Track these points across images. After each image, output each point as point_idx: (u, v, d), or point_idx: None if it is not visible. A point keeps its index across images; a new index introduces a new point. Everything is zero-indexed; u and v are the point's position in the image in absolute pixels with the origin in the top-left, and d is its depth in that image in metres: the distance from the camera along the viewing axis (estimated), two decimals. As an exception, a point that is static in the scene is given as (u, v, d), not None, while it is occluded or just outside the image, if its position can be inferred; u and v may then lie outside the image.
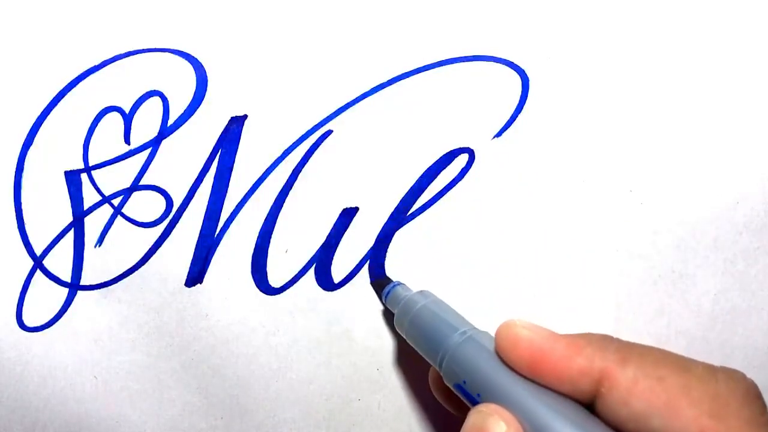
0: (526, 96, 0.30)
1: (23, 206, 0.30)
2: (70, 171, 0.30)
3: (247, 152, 0.30)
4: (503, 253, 0.30)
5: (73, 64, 0.29)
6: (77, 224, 0.30)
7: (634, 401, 0.20)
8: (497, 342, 0.22)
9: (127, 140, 0.30)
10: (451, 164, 0.30)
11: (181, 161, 0.30)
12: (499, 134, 0.30)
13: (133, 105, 0.30)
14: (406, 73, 0.30)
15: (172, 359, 0.31)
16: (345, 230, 0.30)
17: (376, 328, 0.31)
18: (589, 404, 0.21)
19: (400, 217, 0.30)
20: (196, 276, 0.30)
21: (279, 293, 0.30)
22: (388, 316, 0.30)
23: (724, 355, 0.31)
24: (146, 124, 0.30)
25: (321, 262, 0.30)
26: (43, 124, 0.30)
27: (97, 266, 0.30)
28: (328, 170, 0.30)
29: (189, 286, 0.30)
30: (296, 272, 0.30)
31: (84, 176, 0.30)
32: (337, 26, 0.30)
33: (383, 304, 0.30)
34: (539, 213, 0.30)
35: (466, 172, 0.30)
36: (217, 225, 0.30)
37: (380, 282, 0.30)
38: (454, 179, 0.30)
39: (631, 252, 0.30)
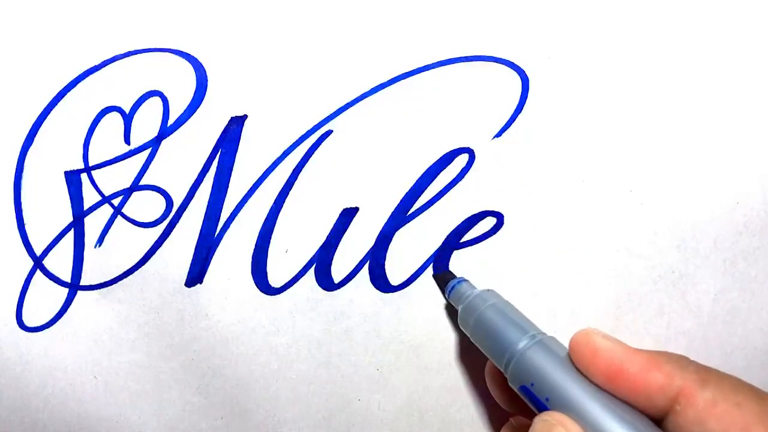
0: (526, 96, 0.30)
1: (23, 206, 0.30)
2: (70, 171, 0.30)
3: (247, 152, 0.30)
4: (503, 252, 0.30)
5: (73, 64, 0.29)
6: (77, 224, 0.30)
7: (712, 422, 0.20)
8: (573, 349, 0.23)
9: (127, 140, 0.30)
10: (451, 164, 0.30)
11: (181, 161, 0.30)
12: (499, 134, 0.30)
13: (133, 105, 0.30)
14: (406, 73, 0.30)
15: (172, 359, 0.31)
16: (345, 230, 0.30)
17: (376, 328, 0.31)
18: (657, 420, 0.22)
19: (400, 217, 0.30)
20: (196, 276, 0.30)
21: (279, 293, 0.30)
22: (450, 311, 0.30)
23: (724, 354, 0.31)
24: (146, 124, 0.30)
25: (321, 262, 0.30)
26: (43, 124, 0.30)
27: (97, 266, 0.30)
28: (328, 170, 0.30)
29: (189, 286, 0.30)
30: (296, 272, 0.30)
31: (84, 176, 0.30)
32: (337, 26, 0.30)
33: (446, 299, 0.30)
34: (539, 213, 0.30)
35: (466, 172, 0.30)
36: (217, 225, 0.30)
37: (444, 276, 0.30)
38: (454, 179, 0.30)
39: (631, 252, 0.30)
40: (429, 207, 0.30)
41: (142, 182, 0.30)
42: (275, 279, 0.30)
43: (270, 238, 0.30)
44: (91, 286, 0.30)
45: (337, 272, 0.30)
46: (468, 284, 0.29)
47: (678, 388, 0.21)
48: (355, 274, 0.30)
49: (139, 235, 0.30)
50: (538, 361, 0.24)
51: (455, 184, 0.30)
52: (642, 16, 0.30)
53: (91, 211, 0.30)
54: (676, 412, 0.21)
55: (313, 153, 0.30)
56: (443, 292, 0.30)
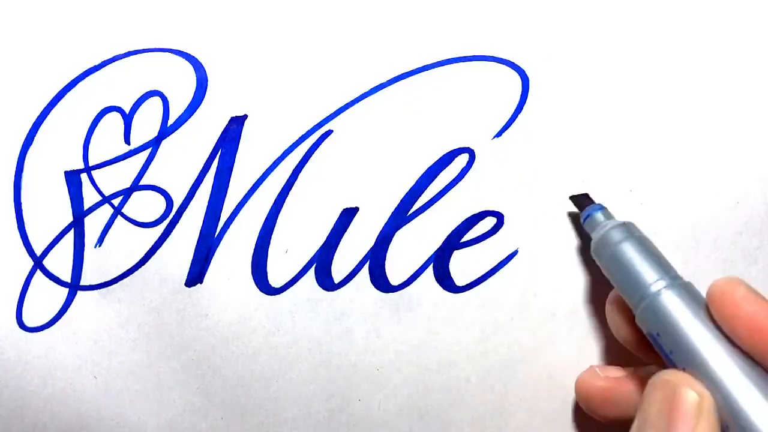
0: (526, 96, 0.30)
1: (23, 206, 0.30)
2: (70, 171, 0.30)
3: (247, 152, 0.30)
4: (503, 253, 0.30)
5: (73, 64, 0.29)
6: (77, 224, 0.30)
7: None
8: (713, 297, 0.21)
9: (127, 140, 0.30)
10: (451, 164, 0.30)
11: (181, 161, 0.30)
12: (499, 134, 0.30)
13: (133, 105, 0.30)
14: (406, 73, 0.30)
15: (172, 359, 0.31)
16: (345, 230, 0.30)
17: (376, 328, 0.31)
18: None
19: (400, 217, 0.30)
20: (196, 276, 0.30)
21: (279, 293, 0.30)
22: (584, 238, 0.29)
23: (724, 355, 0.31)
24: (146, 124, 0.30)
25: (321, 262, 0.30)
26: (43, 124, 0.30)
27: (97, 266, 0.30)
28: (328, 170, 0.30)
29: (189, 286, 0.30)
30: (296, 272, 0.30)
31: (84, 176, 0.30)
32: (337, 26, 0.30)
33: (581, 224, 0.29)
34: (539, 213, 0.30)
35: (466, 172, 0.30)
36: (217, 225, 0.30)
37: (581, 200, 0.29)
38: (454, 179, 0.30)
39: (631, 252, 0.30)
40: (429, 207, 0.30)
41: (142, 182, 0.30)
42: (275, 279, 0.30)
43: (270, 238, 0.30)
44: (91, 286, 0.30)
45: (337, 272, 0.30)
46: (606, 212, 0.28)
47: None
48: (355, 274, 0.30)
49: (139, 235, 0.30)
50: (670, 307, 0.22)
51: (455, 184, 0.30)
52: (642, 16, 0.30)
53: (91, 211, 0.30)
54: None
55: (313, 153, 0.30)
56: (577, 218, 0.29)
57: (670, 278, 0.24)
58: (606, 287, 0.30)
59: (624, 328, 0.26)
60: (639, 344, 0.26)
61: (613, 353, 0.31)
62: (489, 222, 0.30)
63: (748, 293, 0.21)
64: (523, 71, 0.30)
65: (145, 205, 0.30)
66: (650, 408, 0.21)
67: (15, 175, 0.30)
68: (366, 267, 0.30)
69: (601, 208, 0.28)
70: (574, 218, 0.30)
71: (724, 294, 0.21)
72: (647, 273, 0.24)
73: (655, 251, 0.25)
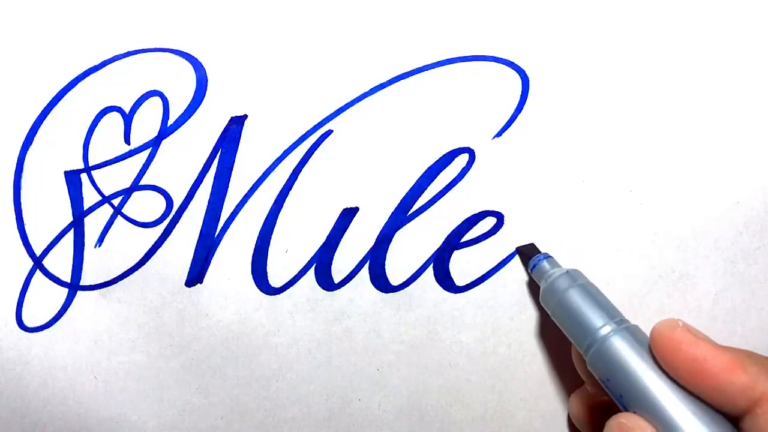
0: (526, 96, 0.30)
1: (23, 206, 0.30)
2: (70, 171, 0.30)
3: (247, 152, 0.30)
4: (504, 253, 0.30)
5: (73, 64, 0.29)
6: (77, 224, 0.30)
7: None
8: (654, 340, 0.22)
9: (127, 140, 0.30)
10: (451, 164, 0.30)
11: (181, 161, 0.30)
12: (499, 134, 0.30)
13: (133, 105, 0.30)
14: (406, 73, 0.30)
15: (172, 359, 0.31)
16: (345, 230, 0.30)
17: (376, 328, 0.31)
18: (733, 419, 0.21)
19: (400, 217, 0.30)
20: (196, 276, 0.30)
21: (279, 293, 0.30)
22: (532, 286, 0.30)
23: (724, 355, 0.31)
24: (146, 124, 0.30)
25: (321, 262, 0.30)
26: (42, 124, 0.30)
27: (97, 266, 0.30)
28: (328, 170, 0.30)
29: (189, 286, 0.30)
30: (296, 272, 0.30)
31: (84, 176, 0.30)
32: (337, 26, 0.30)
33: (528, 274, 0.29)
34: (539, 213, 0.30)
35: (466, 172, 0.30)
36: (217, 225, 0.30)
37: (527, 251, 0.29)
38: (454, 179, 0.30)
39: (631, 252, 0.30)
40: (429, 207, 0.30)
41: (142, 182, 0.30)
42: (275, 279, 0.30)
43: (270, 238, 0.30)
44: (91, 286, 0.30)
45: (337, 272, 0.30)
46: (552, 261, 0.28)
47: (761, 392, 0.20)
48: (355, 274, 0.30)
49: (139, 235, 0.30)
50: (616, 351, 0.23)
51: (455, 184, 0.30)
52: (642, 16, 0.30)
53: (91, 211, 0.30)
54: (756, 415, 0.20)
55: (313, 153, 0.30)
56: (525, 267, 0.29)
57: (614, 323, 0.24)
58: (607, 287, 0.30)
59: (585, 372, 0.27)
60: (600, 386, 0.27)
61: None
62: (489, 222, 0.30)
63: (687, 334, 0.22)
64: (523, 71, 0.30)
65: (145, 205, 0.30)
66: None
67: (15, 175, 0.30)
68: (366, 267, 0.30)
69: (547, 257, 0.29)
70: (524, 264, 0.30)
71: (664, 337, 0.22)
72: (590, 321, 0.25)
73: (600, 297, 0.26)
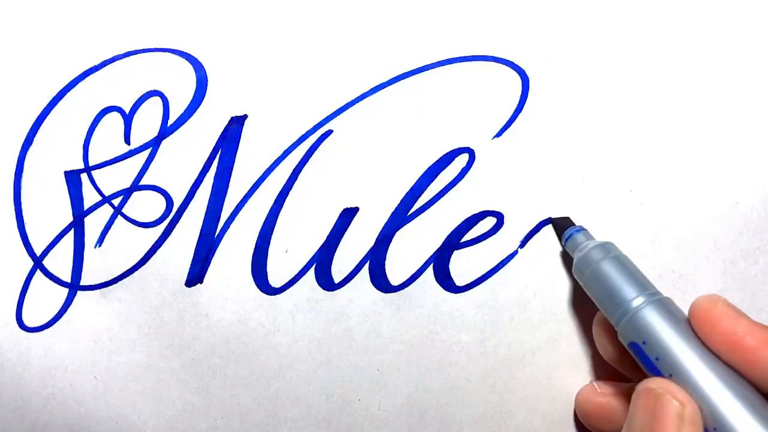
0: (526, 96, 0.30)
1: (23, 206, 0.30)
2: (70, 171, 0.30)
3: (247, 152, 0.30)
4: (504, 253, 0.30)
5: (73, 64, 0.29)
6: (77, 224, 0.30)
7: None
8: (695, 312, 0.23)
9: (127, 140, 0.30)
10: (451, 164, 0.30)
11: (181, 161, 0.30)
12: (499, 134, 0.30)
13: (133, 105, 0.30)
14: (406, 73, 0.30)
15: (172, 359, 0.31)
16: (345, 230, 0.30)
17: (376, 328, 0.31)
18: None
19: (400, 217, 0.30)
20: (196, 276, 0.30)
21: (279, 293, 0.30)
22: (566, 258, 0.30)
23: (724, 355, 0.31)
24: (146, 124, 0.30)
25: (321, 262, 0.30)
26: (42, 124, 0.30)
27: (97, 266, 0.30)
28: (328, 170, 0.30)
29: (189, 286, 0.30)
30: (296, 272, 0.30)
31: (84, 176, 0.30)
32: (337, 26, 0.30)
33: (562, 246, 0.30)
34: (539, 213, 0.30)
35: (466, 172, 0.30)
36: (217, 225, 0.30)
37: (561, 223, 0.30)
38: (454, 179, 0.30)
39: (631, 252, 0.30)
40: (429, 207, 0.30)
41: (142, 182, 0.30)
42: (275, 279, 0.30)
43: (270, 238, 0.30)
44: (91, 286, 0.30)
45: (337, 272, 0.30)
46: (586, 233, 0.29)
47: None
48: (355, 274, 0.30)
49: (139, 235, 0.30)
50: (653, 319, 0.23)
51: (455, 184, 0.30)
52: (642, 16, 0.30)
53: (91, 211, 0.30)
54: None
55: (313, 153, 0.30)
56: (560, 239, 0.30)
57: (649, 294, 0.25)
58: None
59: (609, 346, 0.28)
60: (623, 362, 0.27)
61: (613, 353, 0.31)
62: (489, 222, 0.30)
63: (728, 309, 0.23)
64: (523, 71, 0.30)
65: (145, 205, 0.30)
66: (635, 417, 0.22)
67: (15, 175, 0.30)
68: (366, 267, 0.30)
69: (581, 229, 0.29)
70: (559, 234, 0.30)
71: (705, 311, 0.23)
72: (628, 289, 0.25)
73: (634, 269, 0.26)
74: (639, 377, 0.25)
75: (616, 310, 0.25)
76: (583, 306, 0.30)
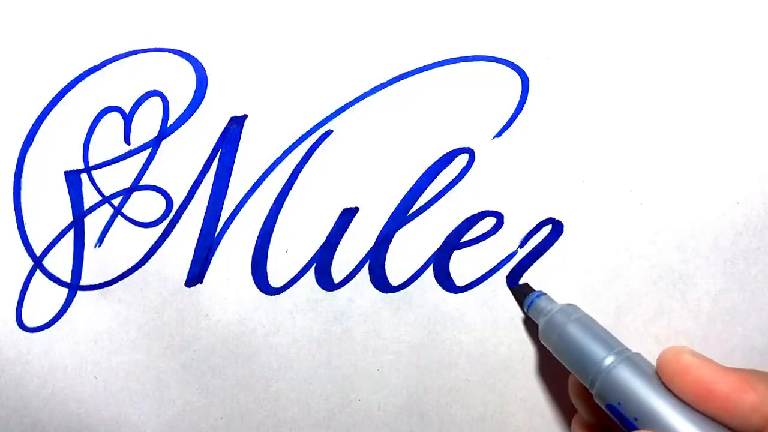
0: (526, 96, 0.30)
1: (23, 206, 0.30)
2: (70, 171, 0.30)
3: (247, 152, 0.30)
4: (504, 253, 0.30)
5: (73, 64, 0.29)
6: (77, 224, 0.30)
7: None
8: (662, 367, 0.23)
9: (127, 140, 0.30)
10: (451, 164, 0.30)
11: (181, 161, 0.30)
12: (499, 134, 0.30)
13: (133, 105, 0.30)
14: (406, 73, 0.30)
15: (172, 359, 0.31)
16: (345, 230, 0.30)
17: (376, 328, 0.31)
18: None
19: (400, 217, 0.30)
20: (196, 276, 0.30)
21: (279, 293, 0.30)
22: (528, 324, 0.30)
23: (724, 354, 0.31)
24: (146, 124, 0.30)
25: (321, 262, 0.30)
26: (42, 124, 0.30)
27: (97, 266, 0.30)
28: (328, 170, 0.30)
29: (189, 286, 0.30)
30: (296, 272, 0.30)
31: (84, 176, 0.30)
32: (337, 26, 0.30)
33: (524, 312, 0.30)
34: (539, 213, 0.30)
35: (466, 172, 0.30)
36: (217, 225, 0.30)
37: (521, 290, 0.30)
38: (454, 179, 0.30)
39: (631, 252, 0.30)
40: (429, 207, 0.30)
41: (142, 182, 0.30)
42: (275, 279, 0.30)
43: (270, 238, 0.30)
44: (91, 286, 0.30)
45: (337, 272, 0.30)
46: (547, 298, 0.29)
47: None
48: (355, 274, 0.30)
49: (139, 235, 0.30)
50: (625, 378, 0.24)
51: (455, 184, 0.30)
52: (642, 16, 0.30)
53: (91, 211, 0.30)
54: None
55: (313, 153, 0.30)
56: (521, 306, 0.30)
57: (617, 353, 0.25)
58: (606, 286, 0.30)
59: (586, 407, 0.28)
60: (602, 421, 0.27)
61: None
62: (489, 222, 0.30)
63: (693, 359, 0.23)
64: (523, 71, 0.30)
65: (145, 205, 0.30)
66: None
67: (15, 175, 0.30)
68: (366, 267, 0.30)
69: (541, 294, 0.29)
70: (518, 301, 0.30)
71: (671, 363, 0.23)
72: (597, 350, 0.25)
73: (600, 328, 0.26)
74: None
75: (589, 373, 0.25)
76: (582, 307, 0.30)
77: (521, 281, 0.30)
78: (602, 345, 0.25)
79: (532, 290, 0.30)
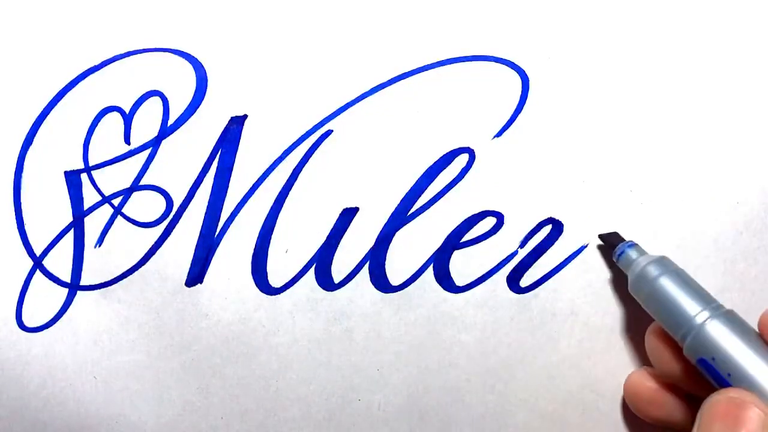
0: (526, 96, 0.30)
1: (23, 206, 0.30)
2: (70, 171, 0.30)
3: (247, 152, 0.30)
4: (504, 253, 0.30)
5: (73, 64, 0.29)
6: (77, 224, 0.30)
7: None
8: (765, 324, 0.23)
9: (127, 140, 0.30)
10: (451, 164, 0.30)
11: (181, 161, 0.30)
12: (499, 134, 0.30)
13: (133, 105, 0.30)
14: (406, 73, 0.30)
15: (172, 359, 0.31)
16: (345, 230, 0.30)
17: (376, 328, 0.31)
18: None
19: (400, 217, 0.30)
20: (196, 276, 0.30)
21: (279, 293, 0.30)
22: (616, 276, 0.30)
23: (724, 355, 0.31)
24: (146, 124, 0.30)
25: (321, 262, 0.30)
26: (42, 124, 0.30)
27: (97, 266, 0.30)
28: (328, 170, 0.30)
29: (189, 286, 0.30)
30: (296, 272, 0.30)
31: (84, 176, 0.30)
32: (337, 26, 0.30)
33: (615, 262, 0.29)
34: (539, 213, 0.30)
35: (466, 172, 0.30)
36: (217, 225, 0.30)
37: (611, 239, 0.29)
38: (454, 179, 0.30)
39: (631, 252, 0.30)
40: (429, 207, 0.30)
41: (142, 182, 0.30)
42: (275, 279, 0.30)
43: (270, 238, 0.30)
44: (91, 286, 0.30)
45: (337, 272, 0.30)
46: (638, 248, 0.28)
47: None
48: (355, 274, 0.30)
49: (139, 235, 0.30)
50: (722, 333, 0.23)
51: (455, 184, 0.30)
52: (642, 16, 0.30)
53: (91, 211, 0.30)
54: None
55: (313, 153, 0.30)
56: (607, 256, 0.29)
57: (713, 308, 0.25)
58: (606, 286, 0.30)
59: (668, 359, 0.27)
60: (684, 375, 0.27)
61: (614, 354, 0.31)
62: (489, 222, 0.30)
63: None
64: (523, 71, 0.30)
65: (145, 205, 0.30)
66: (713, 425, 0.22)
67: (15, 175, 0.30)
68: (366, 267, 0.30)
69: (633, 245, 0.28)
70: (604, 252, 0.30)
71: None
72: (691, 304, 0.25)
73: (694, 283, 0.26)
74: (698, 388, 0.25)
75: (682, 326, 0.25)
76: (582, 306, 0.30)
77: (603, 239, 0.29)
78: (698, 299, 0.25)
79: (623, 239, 0.29)
